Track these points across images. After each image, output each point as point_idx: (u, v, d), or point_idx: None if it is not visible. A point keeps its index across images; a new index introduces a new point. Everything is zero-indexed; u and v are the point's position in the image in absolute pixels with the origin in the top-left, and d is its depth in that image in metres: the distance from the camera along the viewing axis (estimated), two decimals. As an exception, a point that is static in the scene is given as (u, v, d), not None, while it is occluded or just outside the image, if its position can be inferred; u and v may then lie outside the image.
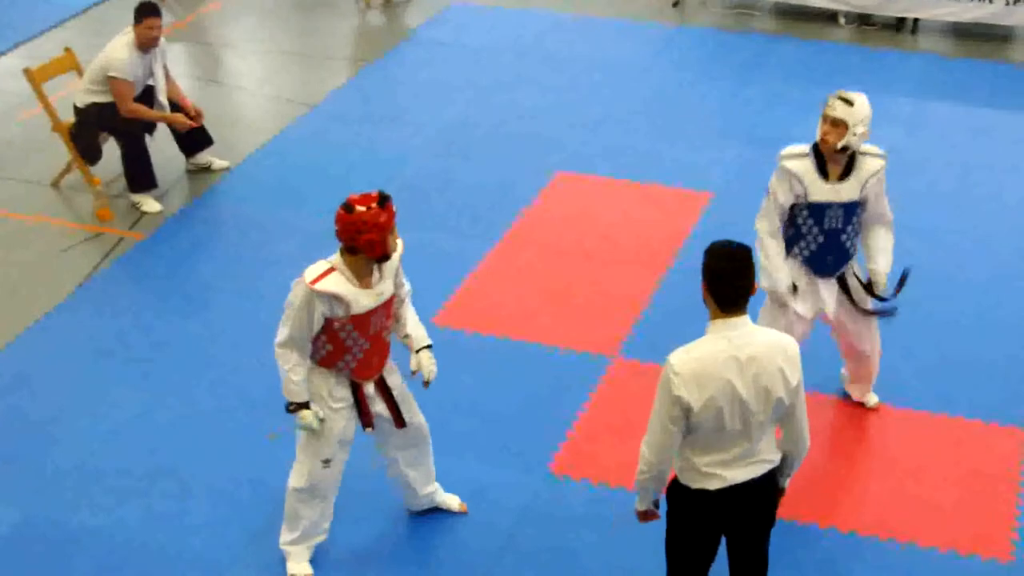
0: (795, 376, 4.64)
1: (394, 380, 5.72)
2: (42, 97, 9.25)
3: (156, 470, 6.54)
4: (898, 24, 12.63)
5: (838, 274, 6.44)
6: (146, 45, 8.75)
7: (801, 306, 6.38)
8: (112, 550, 6.03)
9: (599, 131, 10.31)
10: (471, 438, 6.66)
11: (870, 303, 6.53)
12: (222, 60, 12.21)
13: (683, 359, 4.55)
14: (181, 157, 9.55)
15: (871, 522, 6.22)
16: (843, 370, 7.05)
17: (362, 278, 5.32)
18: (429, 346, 5.74)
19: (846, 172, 6.16)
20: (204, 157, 9.60)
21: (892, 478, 6.53)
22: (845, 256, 6.40)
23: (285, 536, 5.86)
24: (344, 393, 5.56)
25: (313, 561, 5.91)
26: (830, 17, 12.79)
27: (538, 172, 9.58)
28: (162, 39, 8.87)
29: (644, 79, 11.35)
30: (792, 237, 6.35)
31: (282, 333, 5.40)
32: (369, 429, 5.69)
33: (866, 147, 6.19)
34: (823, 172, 6.15)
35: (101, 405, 7.05)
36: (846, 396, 7.07)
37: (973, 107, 10.83)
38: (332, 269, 5.28)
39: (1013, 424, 6.90)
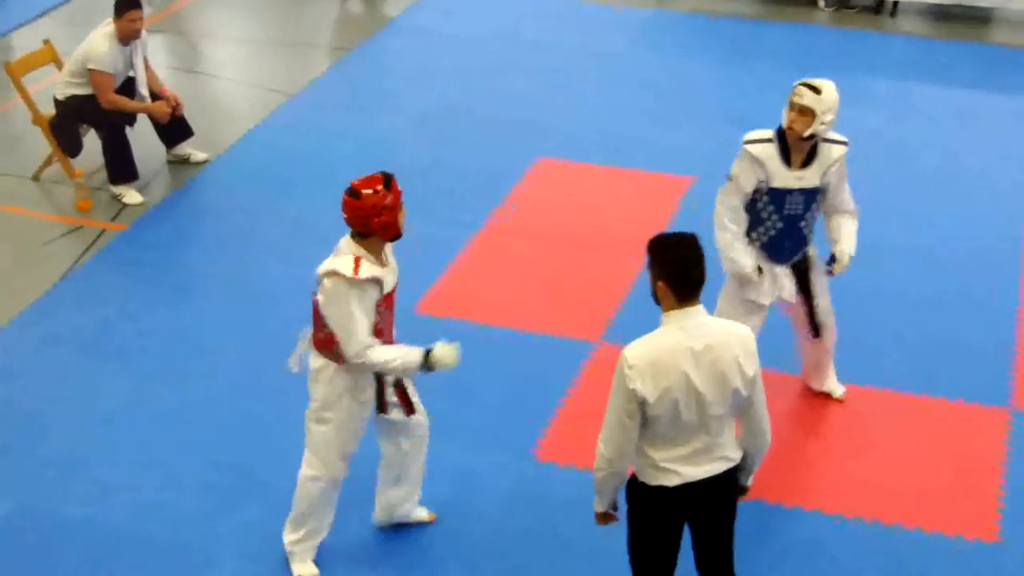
0: (751, 367, 4.58)
1: None
2: (21, 90, 9.21)
3: (145, 460, 6.52)
4: (877, 7, 12.68)
5: (794, 260, 6.40)
6: (128, 38, 8.71)
7: (757, 292, 6.34)
8: (102, 540, 6.01)
9: (582, 116, 10.31)
10: (457, 425, 6.65)
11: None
12: (202, 50, 12.17)
13: (637, 352, 4.49)
14: (162, 148, 9.51)
15: (856, 504, 6.23)
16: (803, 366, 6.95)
17: (378, 258, 5.30)
18: None
19: (808, 159, 6.13)
20: (184, 149, 9.56)
21: (876, 460, 6.54)
22: (803, 242, 6.36)
23: (289, 536, 5.77)
24: (369, 381, 5.49)
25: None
26: (810, 1, 12.82)
27: (521, 158, 9.58)
28: (143, 31, 8.84)
29: (627, 64, 11.36)
30: (751, 223, 6.29)
31: (356, 341, 5.20)
32: (383, 414, 5.60)
33: (829, 133, 6.12)
34: (786, 158, 6.09)
35: (90, 396, 7.03)
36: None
37: (956, 88, 10.87)
38: (359, 258, 5.21)
39: (996, 404, 6.94)
